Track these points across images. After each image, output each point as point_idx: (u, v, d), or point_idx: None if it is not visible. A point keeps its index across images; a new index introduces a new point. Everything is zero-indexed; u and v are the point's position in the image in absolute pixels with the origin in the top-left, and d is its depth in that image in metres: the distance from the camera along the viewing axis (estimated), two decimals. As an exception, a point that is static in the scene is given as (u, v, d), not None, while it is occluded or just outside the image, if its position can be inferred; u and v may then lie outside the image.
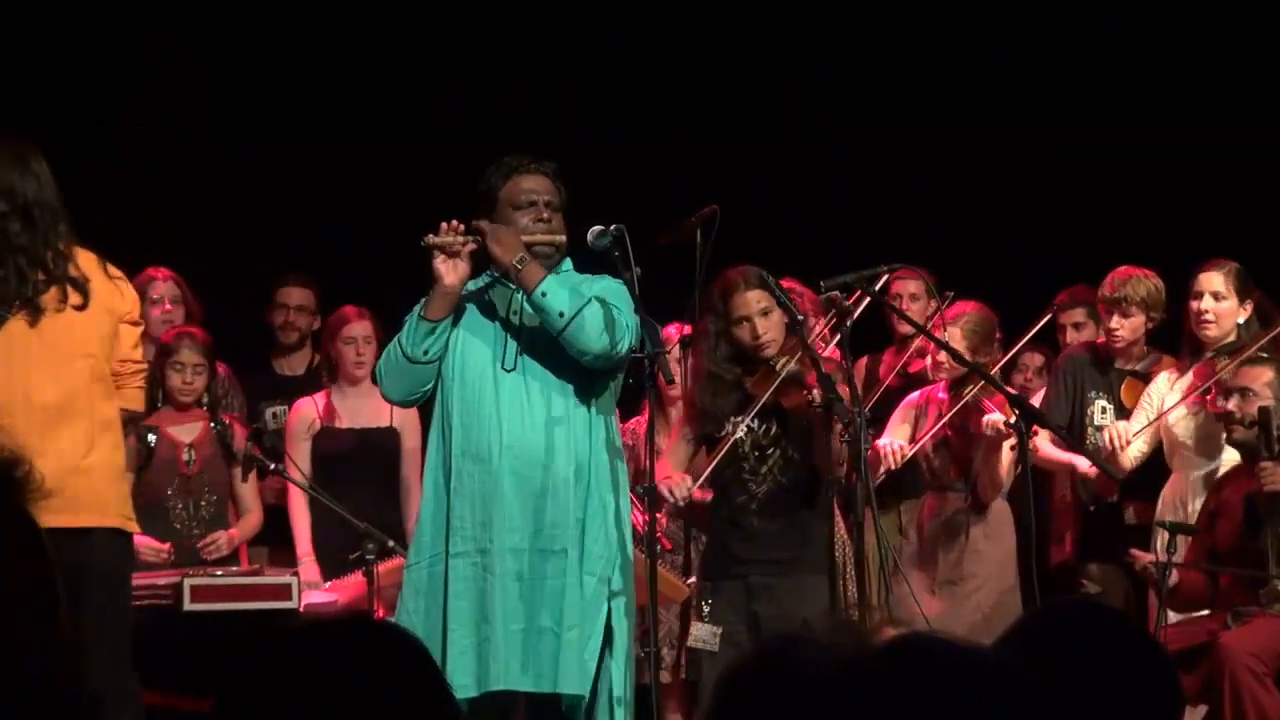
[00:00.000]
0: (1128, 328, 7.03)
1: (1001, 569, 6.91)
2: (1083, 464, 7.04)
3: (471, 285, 5.34)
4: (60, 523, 5.06)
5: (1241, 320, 6.84)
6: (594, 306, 5.15)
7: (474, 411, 5.23)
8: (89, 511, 5.16)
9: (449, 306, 5.24)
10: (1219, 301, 6.82)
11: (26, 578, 1.63)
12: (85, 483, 5.15)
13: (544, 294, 5.14)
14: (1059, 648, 2.38)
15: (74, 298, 5.23)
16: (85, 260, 5.30)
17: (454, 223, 5.21)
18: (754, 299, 5.86)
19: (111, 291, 5.34)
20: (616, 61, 8.89)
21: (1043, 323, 7.20)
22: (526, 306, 5.24)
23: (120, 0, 8.51)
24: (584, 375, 5.26)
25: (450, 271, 5.18)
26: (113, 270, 5.38)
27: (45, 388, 5.17)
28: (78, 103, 8.24)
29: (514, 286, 5.26)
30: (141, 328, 5.52)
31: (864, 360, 7.71)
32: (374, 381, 5.58)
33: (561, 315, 5.13)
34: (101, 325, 5.30)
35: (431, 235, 5.18)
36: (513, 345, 5.27)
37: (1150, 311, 7.02)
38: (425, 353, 5.22)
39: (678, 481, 5.78)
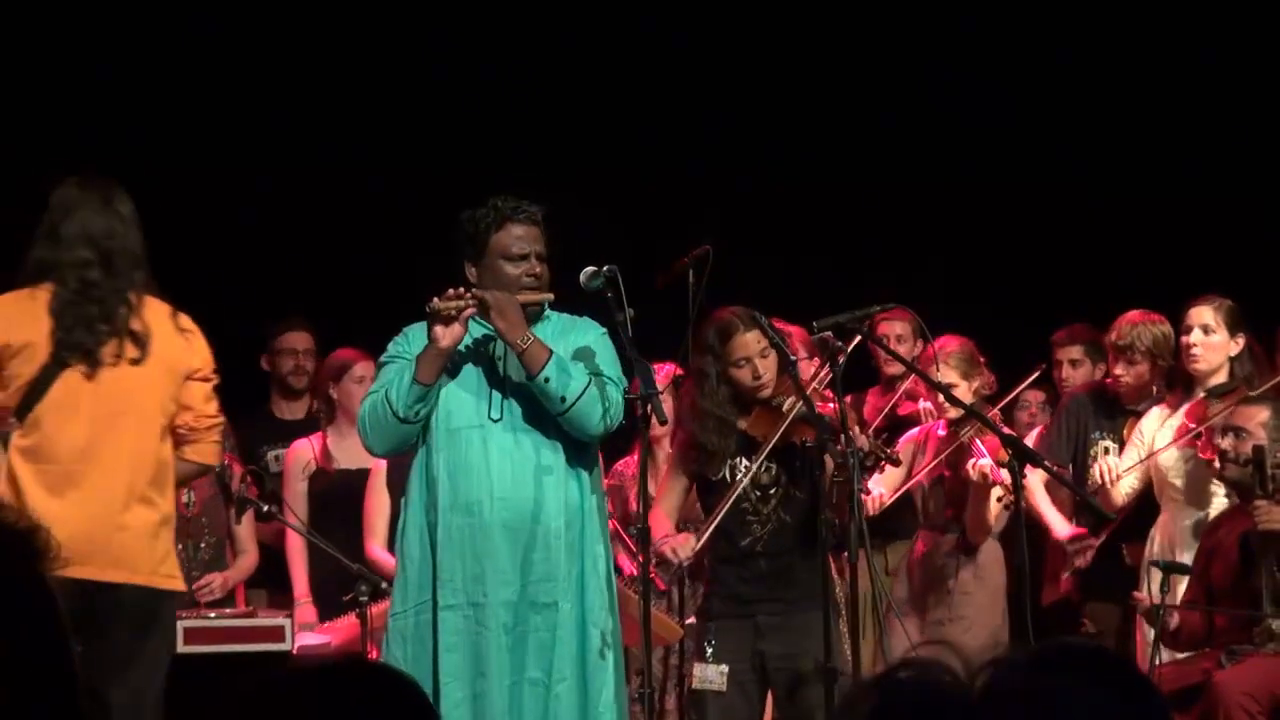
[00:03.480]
0: (1132, 374, 7.06)
1: (989, 609, 6.90)
2: (1059, 529, 7.07)
3: None
4: (86, 575, 5.09)
5: (1234, 354, 6.86)
6: (594, 390, 5.16)
7: (462, 463, 5.22)
8: (117, 568, 5.15)
9: (441, 368, 5.23)
10: (1207, 335, 6.83)
11: (43, 647, 1.63)
12: (118, 539, 5.15)
13: (547, 379, 5.15)
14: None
15: (131, 351, 5.20)
16: (154, 312, 5.28)
17: (459, 289, 5.21)
18: (753, 340, 5.86)
19: (178, 347, 5.30)
20: (608, 101, 8.91)
21: (1033, 377, 7.22)
22: (513, 356, 5.24)
23: (112, 34, 8.51)
24: None
25: (446, 335, 5.17)
26: (184, 323, 5.33)
27: (91, 441, 5.16)
28: (72, 140, 8.23)
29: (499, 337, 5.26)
30: (214, 382, 5.44)
31: (848, 399, 7.70)
32: (359, 431, 5.48)
33: (564, 400, 5.15)
34: (160, 381, 5.26)
35: (436, 299, 5.17)
36: (499, 395, 5.27)
37: (1157, 360, 7.04)
38: (417, 414, 5.22)
39: (680, 543, 5.77)
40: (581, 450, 5.30)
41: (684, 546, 5.77)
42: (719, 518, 5.89)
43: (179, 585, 5.35)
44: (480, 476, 5.20)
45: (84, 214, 5.27)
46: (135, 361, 5.19)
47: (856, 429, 5.60)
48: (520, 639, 5.17)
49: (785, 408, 5.82)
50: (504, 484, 5.20)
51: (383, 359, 5.40)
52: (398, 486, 6.89)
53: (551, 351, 5.18)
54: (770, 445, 5.82)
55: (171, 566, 5.30)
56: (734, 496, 5.84)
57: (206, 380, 5.38)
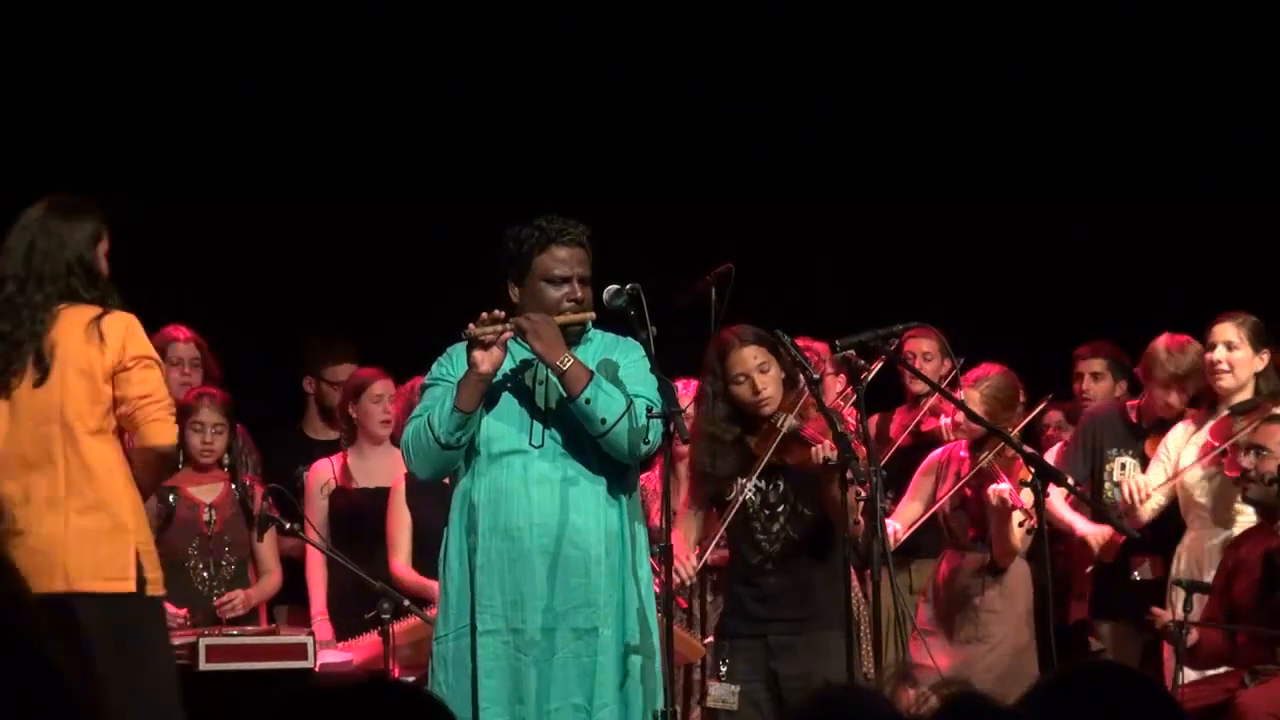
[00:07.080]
0: (1184, 403, 7.06)
1: (1016, 629, 6.88)
2: (1081, 527, 7.06)
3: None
4: (37, 588, 5.10)
5: (1260, 368, 6.86)
6: (633, 412, 5.16)
7: (502, 489, 5.22)
8: (56, 578, 5.17)
9: (482, 394, 5.22)
10: (1231, 351, 6.84)
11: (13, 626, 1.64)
12: (59, 549, 5.19)
13: (587, 401, 5.15)
14: (1078, 709, 2.38)
15: (34, 373, 5.31)
16: (71, 322, 5.34)
17: (495, 312, 5.18)
18: (750, 355, 5.83)
19: (90, 352, 5.33)
20: (632, 119, 8.93)
21: (1041, 408, 7.22)
22: (554, 380, 5.23)
23: (146, 46, 8.54)
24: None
25: (486, 359, 5.15)
26: (106, 326, 5.35)
27: (25, 455, 5.28)
28: (101, 156, 8.27)
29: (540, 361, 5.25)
30: (138, 367, 5.39)
31: (875, 418, 7.70)
32: (403, 455, 5.46)
33: (604, 422, 5.15)
34: (75, 388, 5.32)
35: (472, 325, 5.15)
36: (540, 422, 5.27)
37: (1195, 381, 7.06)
38: (458, 441, 5.21)
39: (681, 562, 5.74)
40: (621, 476, 5.30)
41: (684, 567, 5.73)
42: (717, 536, 5.90)
43: (127, 587, 5.29)
44: (520, 503, 5.20)
45: (15, 233, 5.39)
46: (37, 383, 5.32)
47: (862, 448, 5.54)
48: (562, 665, 5.16)
49: (779, 425, 5.78)
50: (544, 510, 5.19)
51: (427, 380, 5.40)
52: (418, 503, 6.92)
53: (592, 373, 5.18)
54: (763, 463, 5.79)
55: (121, 569, 5.28)
56: (731, 514, 5.83)
57: (126, 370, 5.38)
